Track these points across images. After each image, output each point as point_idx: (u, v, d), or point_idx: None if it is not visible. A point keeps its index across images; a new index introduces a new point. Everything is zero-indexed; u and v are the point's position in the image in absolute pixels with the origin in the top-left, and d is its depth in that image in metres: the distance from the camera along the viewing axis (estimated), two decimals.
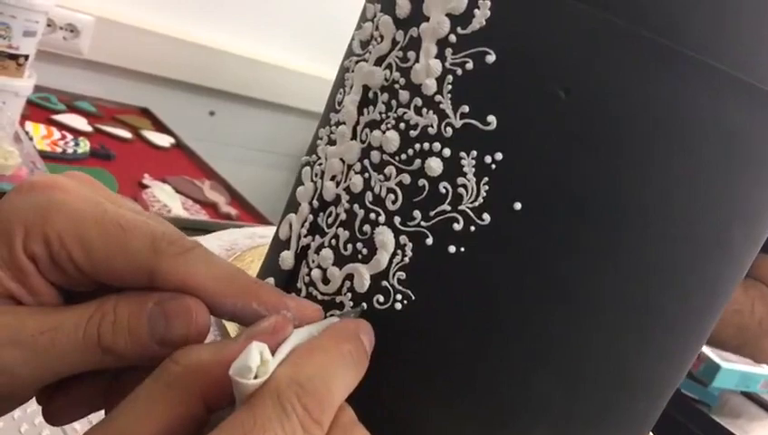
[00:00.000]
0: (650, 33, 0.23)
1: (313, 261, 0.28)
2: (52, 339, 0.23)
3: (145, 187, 1.13)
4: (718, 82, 0.24)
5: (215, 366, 0.22)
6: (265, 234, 0.45)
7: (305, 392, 0.21)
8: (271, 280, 0.30)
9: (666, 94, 0.24)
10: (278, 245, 0.31)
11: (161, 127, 1.42)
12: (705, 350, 1.22)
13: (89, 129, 1.24)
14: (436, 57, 0.25)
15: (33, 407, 0.61)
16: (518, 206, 0.24)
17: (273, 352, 0.22)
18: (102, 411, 0.26)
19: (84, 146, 1.15)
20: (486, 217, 0.25)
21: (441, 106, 0.25)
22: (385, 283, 0.26)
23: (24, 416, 0.60)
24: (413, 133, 0.25)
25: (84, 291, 0.25)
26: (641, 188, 0.25)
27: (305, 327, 0.24)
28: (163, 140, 1.35)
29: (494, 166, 0.24)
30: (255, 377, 0.21)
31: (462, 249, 0.25)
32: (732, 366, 1.23)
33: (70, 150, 1.12)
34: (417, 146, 0.25)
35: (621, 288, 0.26)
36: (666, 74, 0.24)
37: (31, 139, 1.07)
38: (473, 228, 0.25)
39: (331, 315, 0.26)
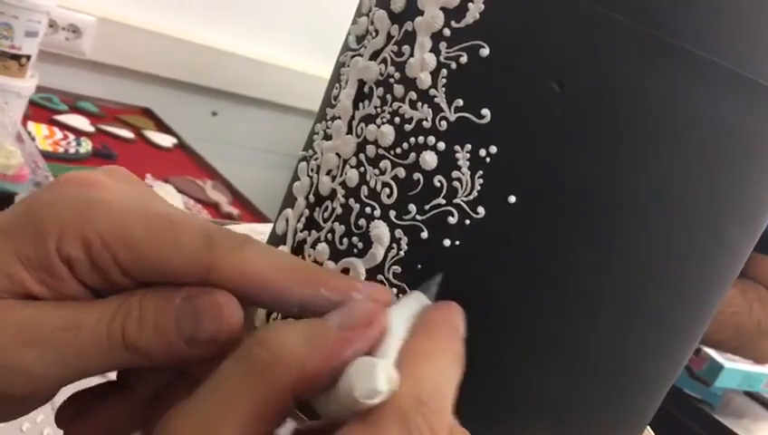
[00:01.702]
0: (647, 26, 0.23)
1: (310, 256, 0.28)
2: (74, 336, 0.22)
3: (150, 188, 1.13)
4: (715, 77, 0.24)
5: (307, 358, 0.20)
6: (265, 230, 0.46)
7: (430, 412, 0.20)
8: None
9: (662, 88, 0.24)
10: (275, 240, 0.31)
11: (163, 127, 1.42)
12: (708, 349, 1.22)
13: (91, 129, 1.25)
14: (430, 51, 0.25)
15: None
16: (513, 199, 0.24)
17: (374, 350, 0.21)
18: None
19: (86, 146, 1.15)
20: (481, 210, 0.25)
21: (436, 100, 0.25)
22: (380, 277, 0.26)
23: None
24: (408, 127, 0.25)
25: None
26: (637, 183, 0.25)
27: (396, 311, 0.23)
28: (165, 141, 1.35)
29: (488, 159, 0.24)
30: None
31: (457, 243, 0.25)
32: (735, 366, 1.23)
33: (72, 150, 1.12)
34: (412, 140, 0.25)
35: (617, 283, 0.26)
36: (662, 68, 0.24)
37: (33, 139, 1.08)
38: (468, 222, 0.25)
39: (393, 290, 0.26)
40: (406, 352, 0.22)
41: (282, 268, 0.23)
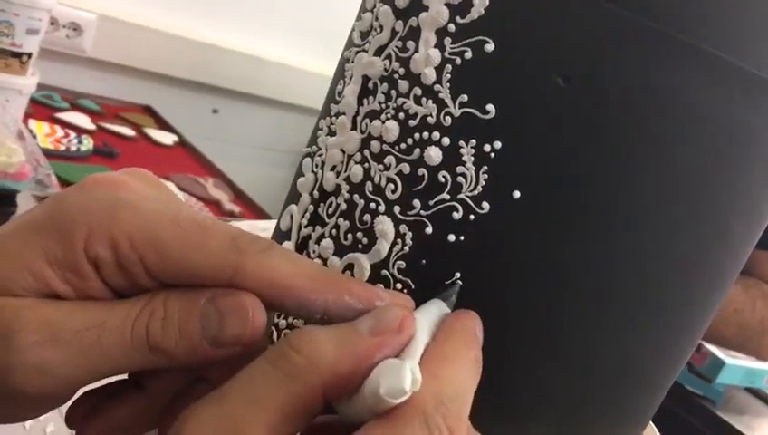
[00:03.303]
0: (651, 21, 0.23)
1: (314, 251, 0.28)
2: (97, 336, 0.22)
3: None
4: (719, 71, 0.24)
5: (340, 362, 0.21)
6: (267, 227, 0.46)
7: (450, 414, 0.20)
8: None
9: (666, 83, 0.24)
10: (279, 236, 0.31)
11: (164, 125, 1.42)
12: (710, 346, 1.22)
13: (92, 127, 1.25)
14: (435, 47, 0.25)
15: None
16: (517, 194, 0.24)
17: (399, 354, 0.22)
18: None
19: (87, 144, 1.15)
20: (486, 205, 0.25)
21: (440, 95, 0.25)
22: (385, 272, 0.26)
23: None
24: (412, 123, 0.25)
25: None
26: (641, 178, 0.25)
27: (418, 317, 0.23)
28: (166, 138, 1.35)
29: (493, 154, 0.24)
30: None
31: (461, 238, 0.25)
32: (736, 362, 1.23)
33: (73, 148, 1.12)
34: (417, 135, 0.25)
35: (622, 280, 0.26)
36: (666, 63, 0.24)
37: (34, 137, 1.08)
38: (472, 217, 0.25)
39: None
40: (428, 355, 0.22)
41: (307, 274, 0.23)
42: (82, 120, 1.25)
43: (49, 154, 1.03)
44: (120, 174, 0.24)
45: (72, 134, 1.17)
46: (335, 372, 0.21)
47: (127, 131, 1.30)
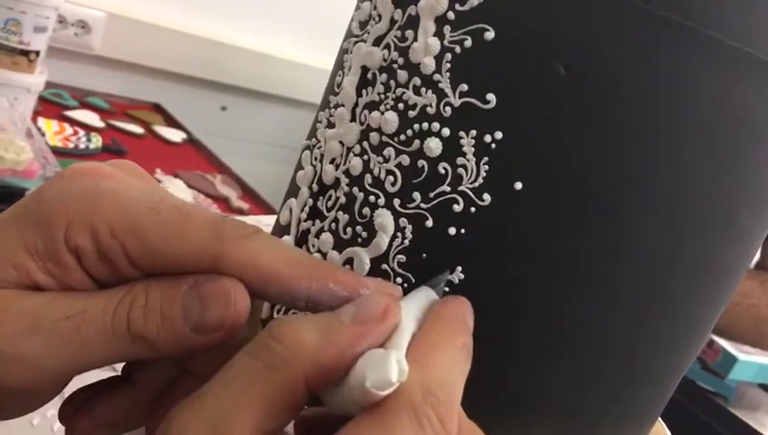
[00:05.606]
0: (655, 7, 0.23)
1: (313, 245, 0.28)
2: (77, 325, 0.21)
3: (157, 182, 1.13)
4: (726, 58, 0.23)
5: (322, 351, 0.20)
6: (270, 222, 0.45)
7: (439, 403, 0.20)
8: None
9: (671, 70, 0.23)
10: (279, 230, 0.31)
11: (173, 122, 1.42)
12: (722, 342, 1.21)
13: (101, 124, 1.25)
14: (434, 35, 0.25)
15: None
16: (519, 186, 0.24)
17: (385, 343, 0.21)
18: None
19: (96, 141, 1.15)
20: (487, 197, 0.24)
21: (440, 85, 0.24)
22: (385, 266, 0.26)
23: None
24: (412, 114, 0.25)
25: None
26: (646, 168, 0.24)
27: (405, 304, 0.23)
28: (175, 136, 1.35)
29: (493, 145, 0.24)
30: None
31: (462, 231, 0.24)
32: (749, 358, 1.21)
33: (82, 146, 1.12)
34: (416, 126, 0.25)
35: (628, 271, 0.25)
36: (671, 50, 0.23)
37: (43, 134, 1.08)
38: (473, 209, 0.24)
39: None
40: (415, 343, 0.22)
41: (291, 261, 0.23)
42: (91, 118, 1.25)
43: (58, 152, 1.04)
44: (102, 164, 0.24)
45: (81, 132, 1.17)
46: (317, 361, 0.20)
47: (136, 129, 1.30)
